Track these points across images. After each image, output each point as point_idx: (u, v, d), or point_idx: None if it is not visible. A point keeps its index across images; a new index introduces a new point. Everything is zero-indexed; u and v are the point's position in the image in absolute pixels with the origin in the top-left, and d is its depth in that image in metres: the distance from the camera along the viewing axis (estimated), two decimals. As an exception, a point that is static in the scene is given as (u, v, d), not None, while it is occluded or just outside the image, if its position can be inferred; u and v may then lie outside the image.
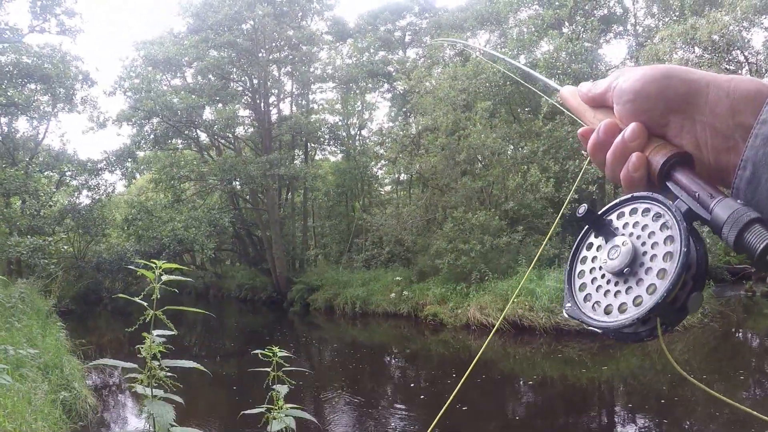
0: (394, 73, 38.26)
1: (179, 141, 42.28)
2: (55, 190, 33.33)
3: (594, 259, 0.94)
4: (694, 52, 24.48)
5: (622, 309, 0.86)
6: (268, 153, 35.72)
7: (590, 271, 0.94)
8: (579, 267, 0.97)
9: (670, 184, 0.87)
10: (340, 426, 12.02)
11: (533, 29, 29.71)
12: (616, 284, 0.88)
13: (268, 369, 3.61)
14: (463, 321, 22.61)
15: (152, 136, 37.98)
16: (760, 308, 23.50)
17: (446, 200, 27.72)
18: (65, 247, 32.89)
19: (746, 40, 24.42)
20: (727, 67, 24.58)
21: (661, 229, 0.86)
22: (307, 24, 40.77)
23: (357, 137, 43.68)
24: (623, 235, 0.90)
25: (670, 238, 0.84)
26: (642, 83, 0.90)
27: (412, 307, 26.09)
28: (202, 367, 3.02)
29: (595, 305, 0.91)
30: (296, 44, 37.77)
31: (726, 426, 10.45)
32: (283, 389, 3.52)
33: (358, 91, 42.37)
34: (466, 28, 34.96)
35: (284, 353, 3.62)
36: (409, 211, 30.14)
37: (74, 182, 35.43)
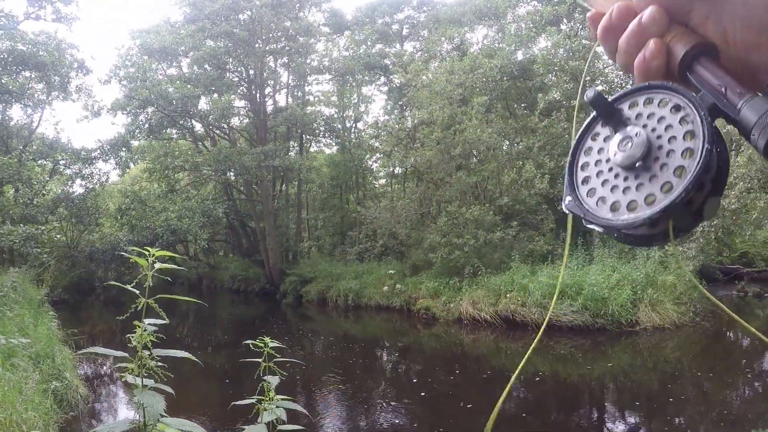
0: (390, 67, 38.25)
1: (174, 131, 42.24)
2: (48, 178, 33.23)
3: (600, 150, 0.87)
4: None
5: (631, 207, 0.79)
6: (263, 144, 35.69)
7: (596, 164, 0.87)
8: (583, 159, 0.90)
9: (692, 77, 0.80)
10: (331, 418, 12.01)
11: (531, 25, 29.69)
12: (625, 179, 0.82)
13: (259, 360, 3.59)
14: (456, 315, 22.63)
15: (147, 125, 37.90)
16: (752, 308, 23.53)
17: (441, 194, 27.72)
18: (58, 236, 32.81)
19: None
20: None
21: (680, 122, 0.79)
22: (305, 15, 40.67)
23: (352, 130, 43.68)
24: (636, 125, 0.83)
25: (690, 133, 0.77)
26: None
27: (404, 300, 26.12)
28: (193, 357, 3.00)
29: (600, 201, 0.84)
30: (293, 35, 37.71)
31: (716, 423, 10.47)
32: (274, 380, 3.50)
33: (354, 84, 42.35)
34: (464, 23, 34.95)
35: (276, 344, 3.61)
36: (403, 204, 30.12)
37: (68, 171, 35.30)
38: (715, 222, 21.91)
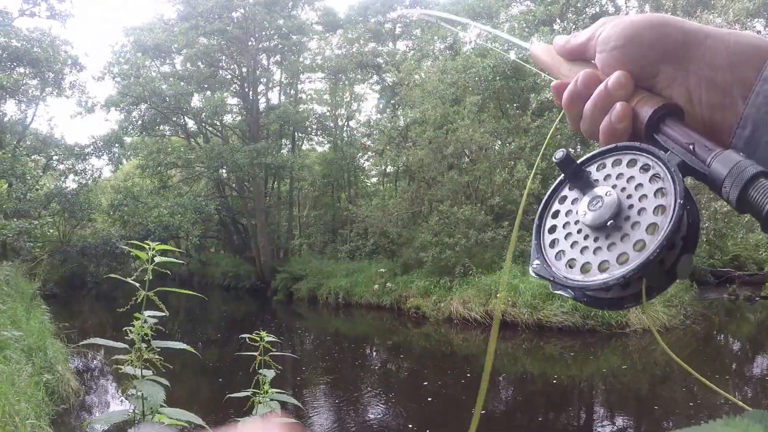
0: (383, 65, 38.24)
1: (167, 127, 42.29)
2: (41, 173, 33.14)
3: (568, 212, 0.85)
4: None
5: (602, 267, 0.76)
6: (255, 141, 35.71)
7: (563, 226, 0.85)
8: (550, 222, 0.87)
9: (659, 137, 0.80)
10: (320, 414, 12.07)
11: (524, 25, 29.73)
12: (596, 240, 0.79)
13: (255, 354, 3.65)
14: (446, 314, 22.65)
15: (140, 122, 38.02)
16: (743, 312, 23.60)
17: (432, 194, 27.73)
18: (51, 231, 32.73)
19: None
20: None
21: (650, 181, 0.77)
22: (298, 13, 40.72)
23: (345, 128, 43.68)
24: (605, 186, 0.82)
25: (661, 191, 0.75)
26: (635, 29, 0.84)
27: (395, 299, 26.13)
28: (191, 349, 3.07)
29: (569, 263, 0.80)
30: (286, 33, 37.73)
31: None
32: (269, 374, 3.57)
33: (347, 82, 42.30)
34: (457, 23, 34.95)
35: (272, 338, 3.67)
36: (394, 203, 30.12)
37: (61, 166, 35.32)
38: (707, 225, 21.99)
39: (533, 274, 0.85)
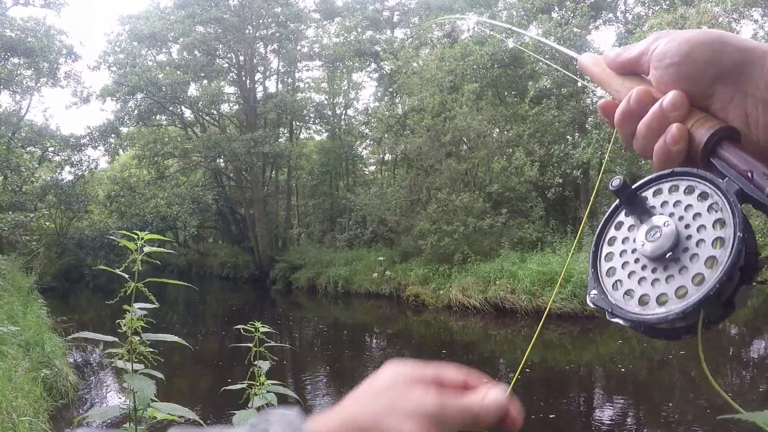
0: (381, 53, 38.15)
1: (163, 117, 42.27)
2: (37, 165, 33.11)
3: (625, 240, 0.83)
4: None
5: (661, 300, 0.75)
6: (252, 130, 35.64)
7: (620, 254, 0.83)
8: (606, 249, 0.86)
9: (715, 161, 0.77)
10: (320, 404, 12.04)
11: (523, 13, 29.66)
12: (654, 271, 0.77)
13: (250, 345, 3.59)
14: (445, 302, 22.68)
15: (136, 111, 37.91)
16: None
17: (431, 181, 27.72)
18: (47, 224, 32.72)
19: (735, 32, 24.39)
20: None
21: (708, 210, 0.75)
22: (295, 1, 40.55)
23: (342, 116, 43.69)
24: (662, 214, 0.80)
25: (720, 222, 0.73)
26: (691, 45, 0.80)
27: (394, 287, 26.14)
28: (183, 341, 3.00)
29: (627, 294, 0.79)
30: (283, 21, 37.63)
31: (703, 410, 10.52)
32: (265, 365, 3.51)
33: (344, 70, 42.28)
34: (456, 10, 34.85)
35: (266, 328, 3.61)
36: (393, 191, 30.11)
37: (57, 158, 35.32)
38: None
39: (591, 304, 0.84)
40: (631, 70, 0.89)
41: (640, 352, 15.55)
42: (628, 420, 10.78)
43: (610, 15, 33.63)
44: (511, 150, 25.88)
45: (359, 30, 39.70)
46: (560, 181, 25.09)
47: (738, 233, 0.70)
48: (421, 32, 33.68)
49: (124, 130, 39.12)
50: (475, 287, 22.01)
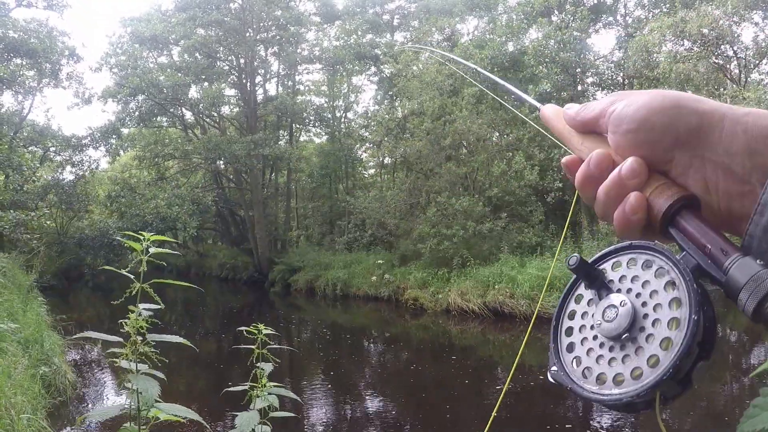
0: (381, 57, 38.17)
1: (164, 119, 42.31)
2: (38, 165, 33.13)
3: (584, 315, 0.84)
4: (683, 45, 24.45)
5: (617, 380, 0.75)
6: (253, 133, 35.68)
7: (580, 329, 0.84)
8: (567, 323, 0.86)
9: (673, 232, 0.77)
10: (318, 406, 12.05)
11: (522, 16, 29.70)
12: (611, 350, 0.78)
13: (253, 347, 3.61)
14: (444, 306, 22.67)
15: (137, 113, 38.00)
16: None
17: (430, 185, 27.72)
18: (48, 223, 32.78)
19: (736, 35, 24.39)
20: (716, 61, 24.58)
21: (665, 288, 0.75)
22: (296, 4, 40.60)
23: (342, 119, 43.69)
24: (620, 291, 0.80)
25: (676, 301, 0.73)
26: (647, 112, 0.79)
27: (392, 290, 26.14)
28: (188, 342, 3.03)
29: (586, 371, 0.80)
30: (284, 24, 37.68)
31: (702, 416, 10.54)
32: (268, 367, 3.53)
33: (344, 74, 42.23)
34: (455, 14, 34.89)
35: (269, 330, 3.63)
36: (392, 194, 30.11)
37: (58, 158, 35.42)
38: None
39: (551, 380, 0.85)
40: (591, 129, 0.89)
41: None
42: (626, 428, 10.79)
43: (610, 18, 33.60)
44: (510, 154, 25.90)
45: (359, 33, 39.73)
46: (560, 185, 25.11)
47: (693, 316, 0.71)
48: (421, 35, 33.71)
49: (125, 131, 39.23)
50: (474, 291, 22.01)
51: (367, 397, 13.08)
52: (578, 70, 27.97)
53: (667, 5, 28.97)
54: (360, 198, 31.67)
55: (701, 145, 0.76)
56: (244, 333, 3.63)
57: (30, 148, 34.12)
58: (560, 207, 28.03)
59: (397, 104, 34.61)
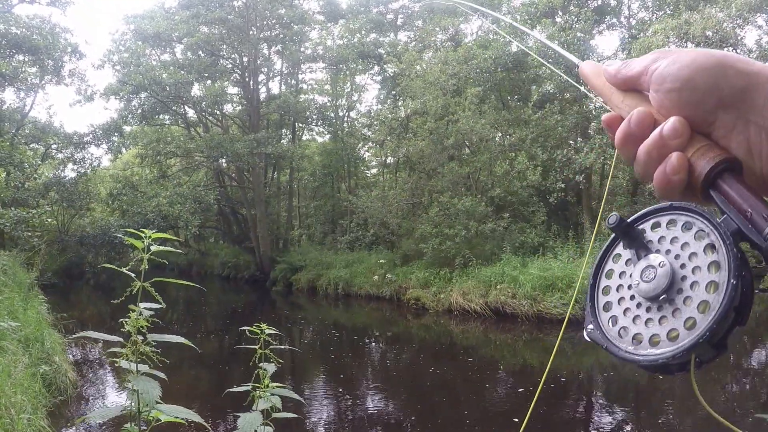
0: (384, 56, 38.14)
1: (166, 117, 42.34)
2: (40, 162, 33.11)
3: (622, 274, 0.84)
4: (686, 47, 24.44)
5: (653, 341, 0.76)
6: (255, 131, 35.68)
7: (617, 289, 0.83)
8: (604, 282, 0.86)
9: (714, 194, 0.75)
10: (320, 406, 12.01)
11: (526, 17, 29.65)
12: (648, 310, 0.78)
13: (256, 347, 3.57)
14: (446, 306, 22.66)
15: (140, 110, 38.00)
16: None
17: (433, 185, 27.73)
18: (49, 220, 32.76)
19: (739, 38, 24.40)
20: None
21: (704, 251, 0.75)
22: (299, 3, 40.62)
23: (345, 119, 43.69)
24: (659, 252, 0.79)
25: (715, 264, 0.73)
26: (691, 71, 0.76)
27: (394, 290, 26.15)
28: (189, 343, 2.98)
29: (622, 331, 0.80)
30: (287, 23, 37.71)
31: (703, 417, 10.50)
32: (270, 368, 3.49)
33: (347, 73, 42.24)
34: (460, 13, 34.87)
35: (272, 330, 3.59)
36: (394, 194, 30.10)
37: (60, 155, 35.44)
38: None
39: (587, 338, 0.85)
40: (632, 87, 0.87)
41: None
42: (628, 427, 10.76)
43: (614, 20, 33.57)
44: (513, 154, 25.91)
45: (363, 32, 39.69)
46: (562, 186, 25.13)
47: (732, 280, 0.70)
48: (425, 34, 33.70)
49: (127, 128, 39.19)
50: (476, 291, 22.00)
51: (368, 397, 13.04)
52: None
53: (671, 7, 28.97)
54: (362, 197, 31.66)
55: (746, 107, 0.74)
56: (247, 333, 3.59)
57: (32, 146, 34.17)
58: (563, 207, 28.02)
59: (400, 104, 34.59)
